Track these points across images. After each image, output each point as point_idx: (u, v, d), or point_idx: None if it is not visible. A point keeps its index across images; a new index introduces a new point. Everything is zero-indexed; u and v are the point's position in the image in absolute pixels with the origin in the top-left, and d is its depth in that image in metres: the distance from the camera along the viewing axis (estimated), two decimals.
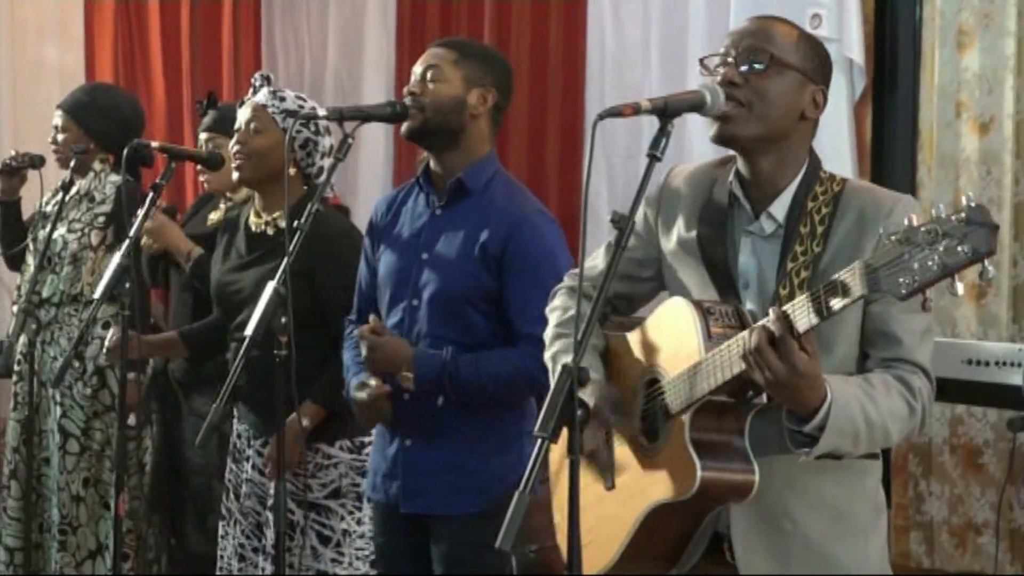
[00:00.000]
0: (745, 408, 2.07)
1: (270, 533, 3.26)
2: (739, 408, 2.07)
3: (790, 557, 2.15)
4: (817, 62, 2.21)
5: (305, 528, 3.23)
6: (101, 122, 4.27)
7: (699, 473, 2.03)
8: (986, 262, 1.71)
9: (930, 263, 1.71)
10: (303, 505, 3.21)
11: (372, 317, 2.88)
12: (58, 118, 4.31)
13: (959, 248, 1.69)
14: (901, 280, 1.75)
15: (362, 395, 2.85)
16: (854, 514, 2.19)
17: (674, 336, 2.14)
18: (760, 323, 1.95)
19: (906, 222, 1.75)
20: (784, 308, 1.93)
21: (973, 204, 1.70)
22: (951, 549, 4.44)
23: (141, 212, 3.35)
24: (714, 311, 2.10)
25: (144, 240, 3.84)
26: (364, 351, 2.83)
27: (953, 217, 1.71)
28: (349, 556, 3.26)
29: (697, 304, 2.12)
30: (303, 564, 3.24)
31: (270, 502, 3.26)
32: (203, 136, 3.95)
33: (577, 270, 2.42)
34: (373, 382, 2.85)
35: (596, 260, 2.40)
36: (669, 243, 2.30)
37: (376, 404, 2.85)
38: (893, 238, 1.77)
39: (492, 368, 2.80)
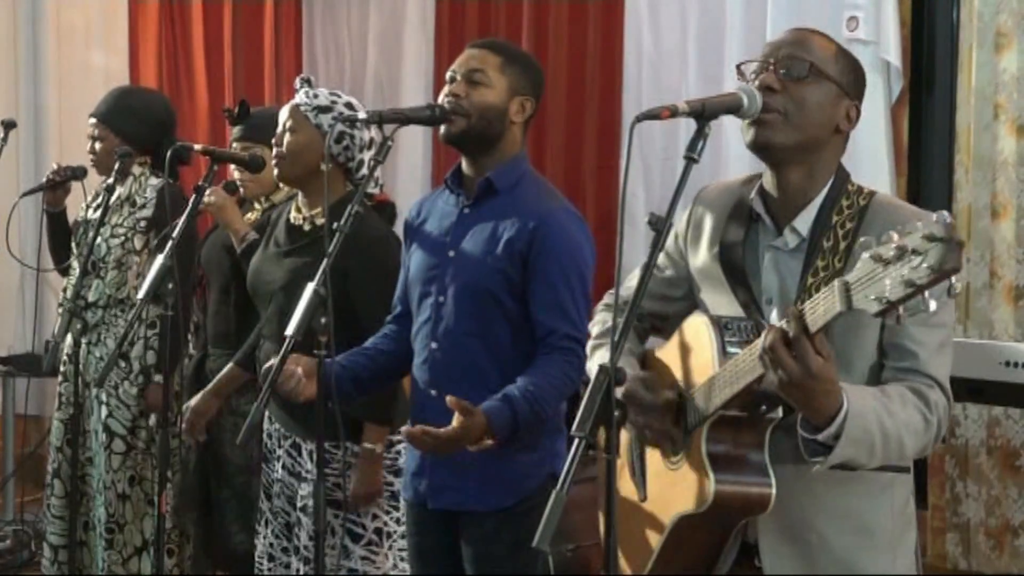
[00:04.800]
0: (763, 422, 2.07)
1: (302, 534, 3.28)
2: (757, 422, 2.07)
3: (816, 569, 2.15)
4: (853, 77, 2.22)
5: (336, 528, 3.24)
6: (137, 126, 4.30)
7: (713, 487, 2.04)
8: (953, 279, 1.67)
9: (898, 280, 1.69)
10: (334, 504, 3.21)
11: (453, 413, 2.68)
12: (93, 127, 4.32)
13: (923, 265, 1.67)
14: (873, 298, 1.73)
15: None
16: (880, 528, 2.18)
17: (693, 351, 2.17)
18: (777, 324, 1.94)
19: (884, 238, 1.73)
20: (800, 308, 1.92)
21: (939, 220, 1.67)
22: (988, 551, 4.44)
23: (183, 214, 3.39)
24: (731, 326, 2.11)
25: None
26: (446, 447, 2.68)
27: (919, 233, 1.68)
28: (393, 557, 3.27)
29: (715, 320, 2.14)
30: (333, 563, 3.25)
31: (300, 503, 3.29)
32: (236, 146, 3.97)
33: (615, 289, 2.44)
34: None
35: (633, 280, 2.40)
36: (696, 261, 2.32)
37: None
38: (866, 255, 1.75)
39: (545, 395, 2.75)
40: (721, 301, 2.24)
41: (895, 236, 1.72)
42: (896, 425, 2.02)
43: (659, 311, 2.40)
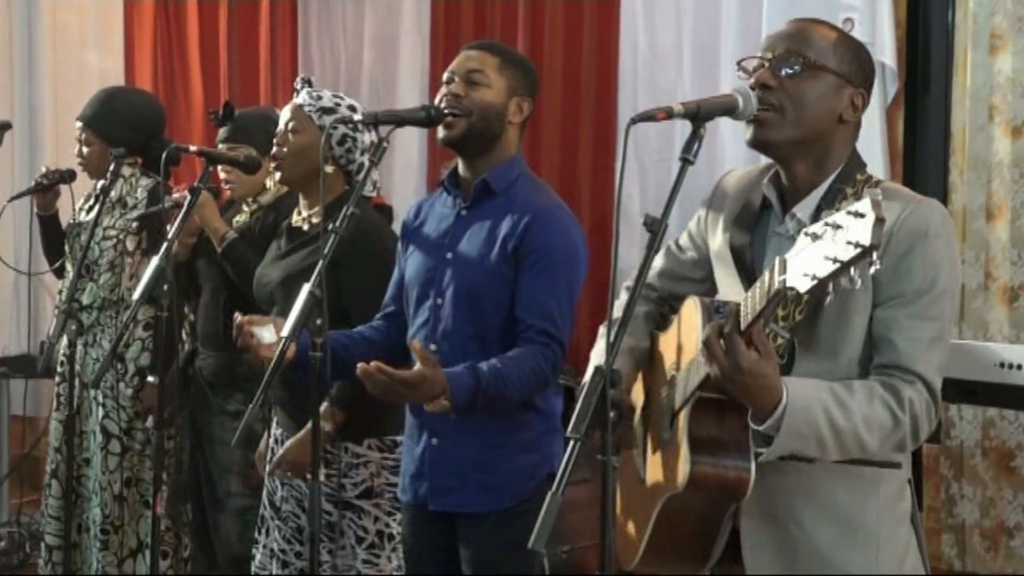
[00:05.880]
0: (745, 406, 2.06)
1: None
2: (740, 405, 2.06)
3: (796, 560, 2.15)
4: (856, 65, 2.21)
5: (343, 527, 3.24)
6: (122, 129, 4.28)
7: (687, 467, 2.04)
8: (874, 255, 1.68)
9: (825, 257, 1.71)
10: (339, 505, 3.21)
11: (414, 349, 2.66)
12: (80, 131, 4.31)
13: (846, 241, 1.68)
14: (804, 274, 1.74)
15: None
16: (865, 523, 2.16)
17: (685, 334, 2.19)
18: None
19: (823, 215, 1.74)
20: (739, 303, 1.94)
21: (868, 197, 1.68)
22: (983, 552, 4.44)
23: (178, 217, 3.39)
24: (721, 309, 2.10)
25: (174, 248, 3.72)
26: (400, 390, 2.60)
27: (846, 210, 1.70)
28: (396, 559, 3.24)
29: (705, 303, 2.15)
30: (344, 563, 3.25)
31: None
32: (222, 147, 3.96)
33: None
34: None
35: (658, 261, 2.44)
36: (714, 244, 2.34)
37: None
38: (803, 232, 1.77)
39: (512, 376, 2.74)
40: (730, 284, 2.26)
41: (835, 215, 1.73)
42: (851, 421, 2.02)
43: (680, 293, 2.41)
